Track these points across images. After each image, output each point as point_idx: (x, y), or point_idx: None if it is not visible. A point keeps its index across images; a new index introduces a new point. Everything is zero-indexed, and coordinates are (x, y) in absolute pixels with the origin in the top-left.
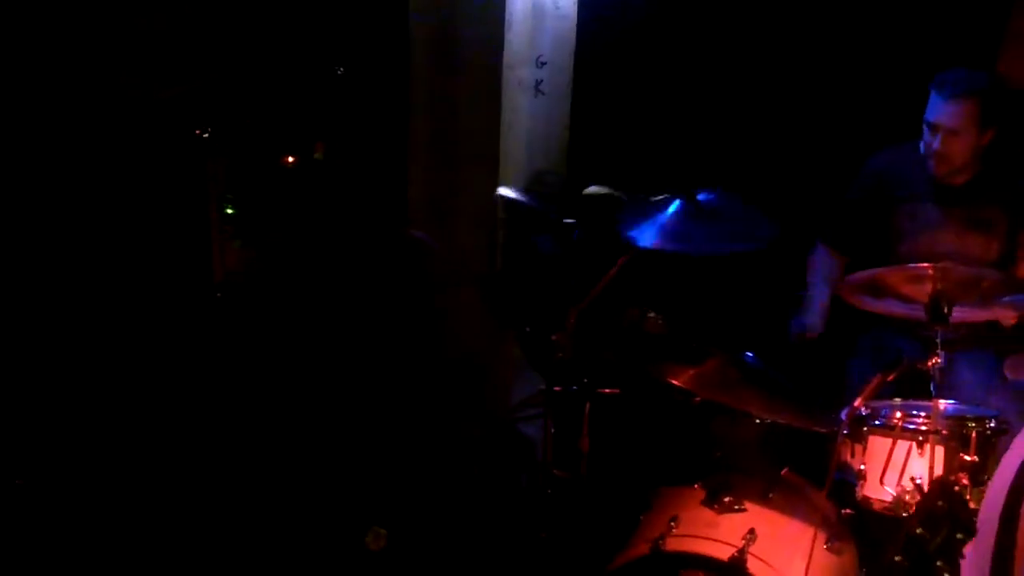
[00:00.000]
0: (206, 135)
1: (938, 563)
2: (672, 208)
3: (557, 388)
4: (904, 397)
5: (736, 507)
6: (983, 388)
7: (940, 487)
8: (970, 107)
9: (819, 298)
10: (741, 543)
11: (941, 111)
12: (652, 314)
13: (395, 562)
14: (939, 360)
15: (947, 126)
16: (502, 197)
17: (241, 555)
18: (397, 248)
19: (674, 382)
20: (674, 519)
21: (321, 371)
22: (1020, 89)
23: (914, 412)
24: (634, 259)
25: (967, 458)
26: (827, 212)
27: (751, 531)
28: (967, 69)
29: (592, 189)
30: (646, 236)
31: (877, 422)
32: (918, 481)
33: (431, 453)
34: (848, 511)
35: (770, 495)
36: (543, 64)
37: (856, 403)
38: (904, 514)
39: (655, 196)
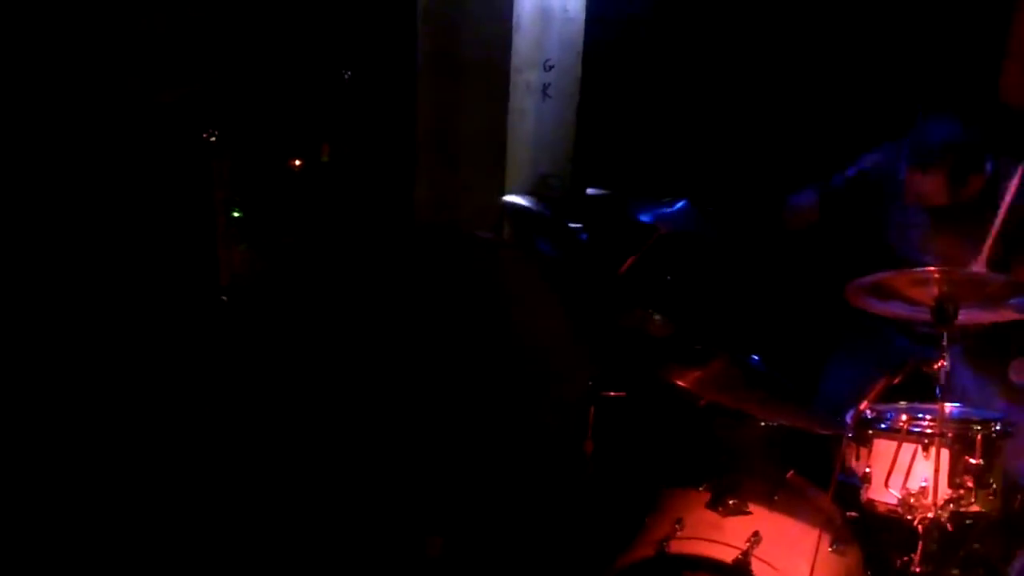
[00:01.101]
0: (212, 138)
1: None
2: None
3: None
4: (908, 400)
5: (741, 510)
6: (988, 391)
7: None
8: (937, 178)
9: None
10: (745, 546)
11: (909, 177)
12: (657, 316)
13: (452, 568)
14: (944, 363)
15: (915, 191)
16: (507, 203)
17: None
18: (462, 249)
19: (679, 384)
20: (679, 521)
21: (326, 374)
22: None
23: (919, 415)
24: (643, 258)
25: (972, 461)
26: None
27: (755, 534)
28: (940, 126)
29: (592, 191)
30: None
31: (882, 425)
32: (923, 484)
33: (469, 457)
34: (853, 513)
35: (775, 498)
36: (551, 67)
37: (861, 406)
38: (909, 517)
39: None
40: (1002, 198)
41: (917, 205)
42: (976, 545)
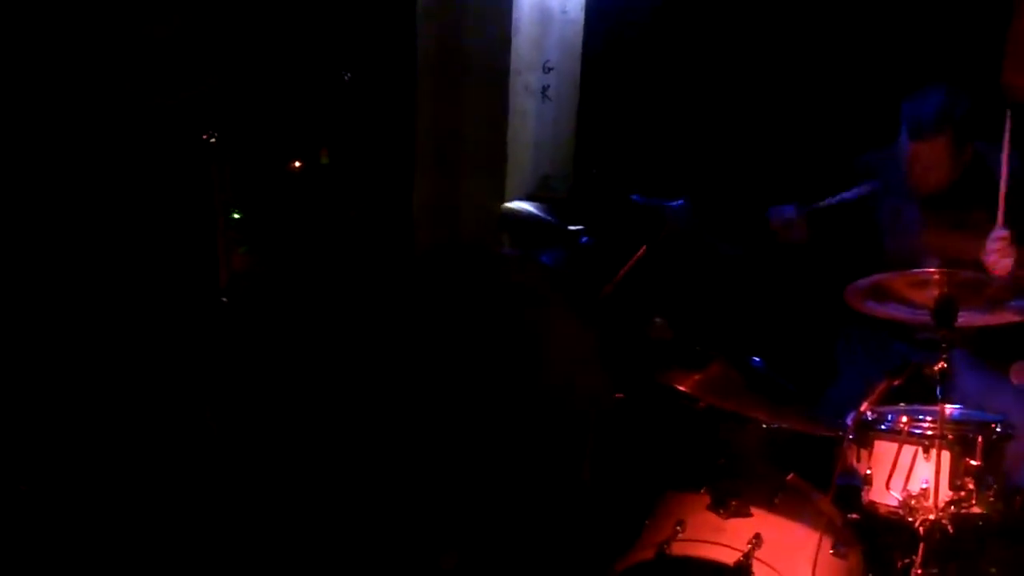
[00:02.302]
0: (212, 140)
1: None
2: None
3: None
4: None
5: (742, 512)
6: (988, 393)
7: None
8: (940, 141)
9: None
10: (747, 548)
11: (911, 150)
12: (657, 319)
13: None
14: (944, 365)
15: (919, 163)
16: (506, 212)
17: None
18: (482, 265)
19: (679, 387)
20: (680, 524)
21: (327, 376)
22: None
23: (920, 417)
24: (643, 258)
25: (973, 463)
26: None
27: (757, 536)
28: (931, 96)
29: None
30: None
31: (883, 427)
32: (924, 486)
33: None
34: (854, 516)
35: (776, 500)
36: (550, 69)
37: (862, 407)
38: (910, 519)
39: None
40: (992, 182)
41: (911, 203)
42: (992, 570)
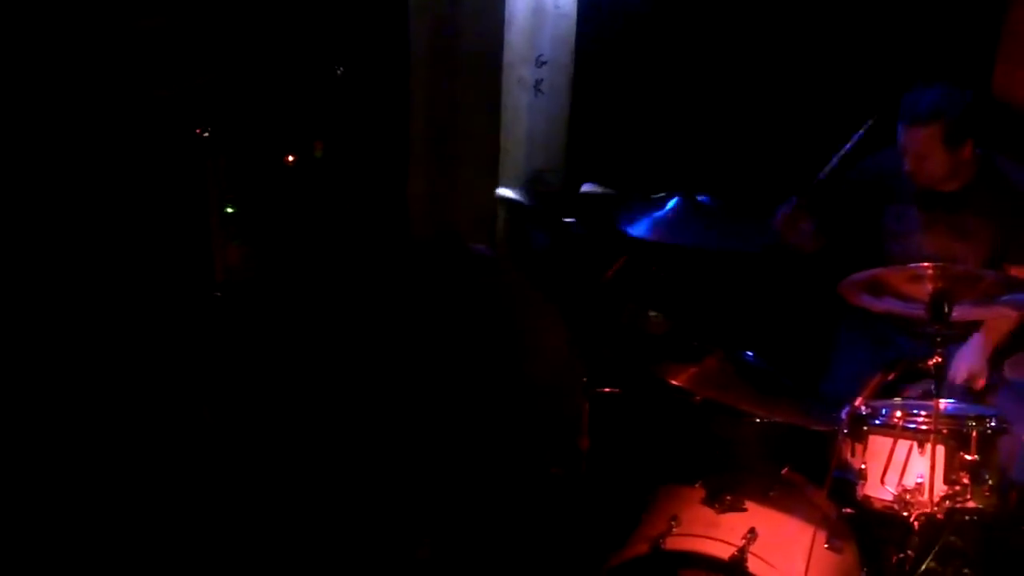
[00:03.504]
0: (206, 134)
1: None
2: (670, 205)
3: None
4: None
5: (736, 506)
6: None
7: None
8: (932, 131)
9: None
10: (741, 542)
11: (904, 136)
12: (653, 313)
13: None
14: (940, 359)
15: (912, 150)
16: (501, 197)
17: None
18: (456, 262)
19: (674, 381)
20: (674, 518)
21: (320, 372)
22: (1015, 105)
23: (914, 411)
24: (635, 257)
25: (968, 457)
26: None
27: (751, 530)
28: (932, 88)
29: (587, 188)
30: (640, 228)
31: (877, 421)
32: (919, 480)
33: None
34: (849, 510)
35: (770, 494)
36: (543, 63)
37: (856, 402)
38: (905, 513)
39: (653, 194)
40: (993, 193)
41: (914, 207)
42: (953, 538)
